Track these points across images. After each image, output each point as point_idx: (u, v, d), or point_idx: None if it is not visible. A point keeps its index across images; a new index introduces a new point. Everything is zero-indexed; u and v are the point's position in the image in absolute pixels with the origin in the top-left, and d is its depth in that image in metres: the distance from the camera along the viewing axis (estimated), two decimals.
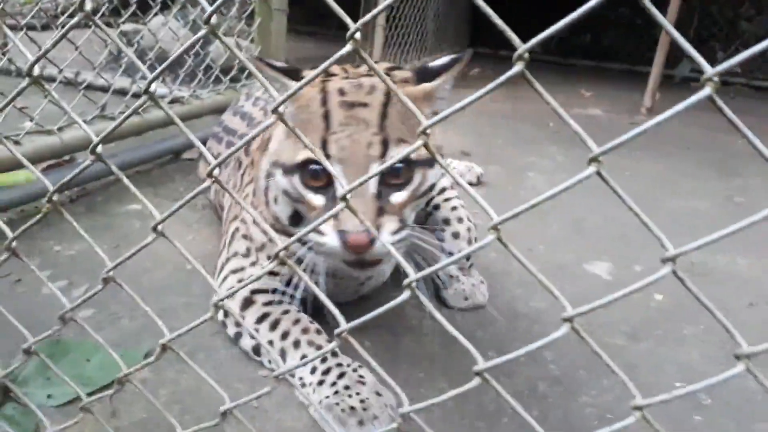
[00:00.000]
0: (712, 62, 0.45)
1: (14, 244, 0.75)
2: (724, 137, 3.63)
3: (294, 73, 1.19)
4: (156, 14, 2.83)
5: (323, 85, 1.17)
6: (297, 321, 1.32)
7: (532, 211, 0.55)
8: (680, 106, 0.46)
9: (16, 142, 1.92)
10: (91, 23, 0.66)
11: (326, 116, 1.12)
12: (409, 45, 5.13)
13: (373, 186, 1.11)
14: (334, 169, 1.06)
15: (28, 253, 0.75)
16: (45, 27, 3.84)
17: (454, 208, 1.69)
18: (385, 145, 1.11)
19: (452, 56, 1.23)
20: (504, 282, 1.78)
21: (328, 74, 1.21)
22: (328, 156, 1.09)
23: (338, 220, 1.07)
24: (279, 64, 1.21)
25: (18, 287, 1.58)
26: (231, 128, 1.98)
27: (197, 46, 2.93)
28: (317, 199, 1.16)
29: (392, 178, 1.14)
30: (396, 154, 1.10)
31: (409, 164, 1.15)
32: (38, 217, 0.71)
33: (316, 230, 1.08)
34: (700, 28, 5.85)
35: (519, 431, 1.19)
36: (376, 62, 1.25)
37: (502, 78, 0.53)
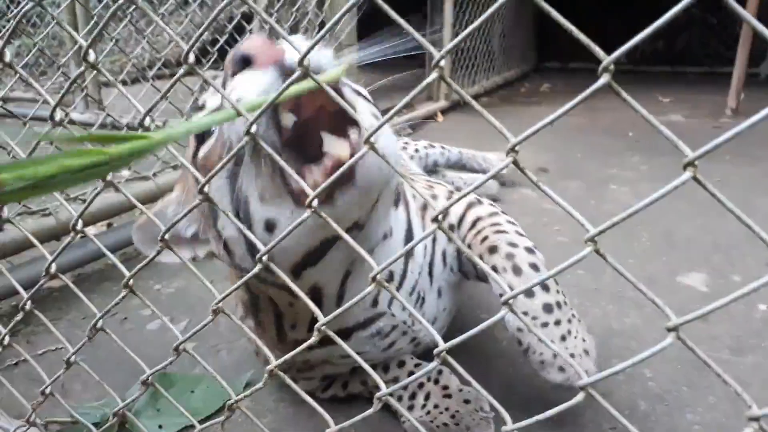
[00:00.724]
0: None
1: (131, 282, 0.81)
2: None
3: None
4: None
5: None
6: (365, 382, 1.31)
7: (619, 225, 0.54)
8: None
9: (116, 189, 2.07)
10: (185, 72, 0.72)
11: None
12: (477, 66, 5.10)
13: None
14: None
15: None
16: (135, 81, 4.12)
17: (492, 249, 1.19)
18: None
19: None
20: (595, 299, 1.73)
21: None
22: None
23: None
24: None
25: (125, 325, 1.69)
26: None
27: None
28: None
29: None
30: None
31: None
32: (154, 255, 0.77)
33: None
34: None
35: None
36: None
37: (589, 91, 0.53)
